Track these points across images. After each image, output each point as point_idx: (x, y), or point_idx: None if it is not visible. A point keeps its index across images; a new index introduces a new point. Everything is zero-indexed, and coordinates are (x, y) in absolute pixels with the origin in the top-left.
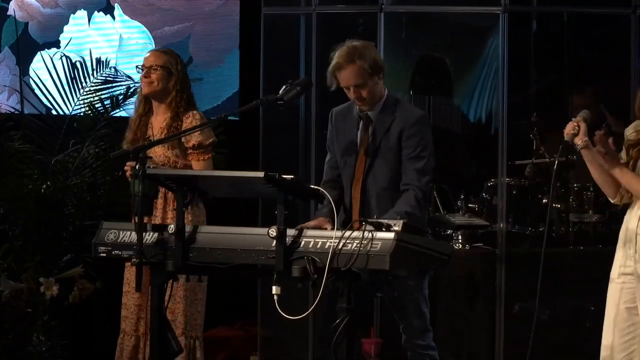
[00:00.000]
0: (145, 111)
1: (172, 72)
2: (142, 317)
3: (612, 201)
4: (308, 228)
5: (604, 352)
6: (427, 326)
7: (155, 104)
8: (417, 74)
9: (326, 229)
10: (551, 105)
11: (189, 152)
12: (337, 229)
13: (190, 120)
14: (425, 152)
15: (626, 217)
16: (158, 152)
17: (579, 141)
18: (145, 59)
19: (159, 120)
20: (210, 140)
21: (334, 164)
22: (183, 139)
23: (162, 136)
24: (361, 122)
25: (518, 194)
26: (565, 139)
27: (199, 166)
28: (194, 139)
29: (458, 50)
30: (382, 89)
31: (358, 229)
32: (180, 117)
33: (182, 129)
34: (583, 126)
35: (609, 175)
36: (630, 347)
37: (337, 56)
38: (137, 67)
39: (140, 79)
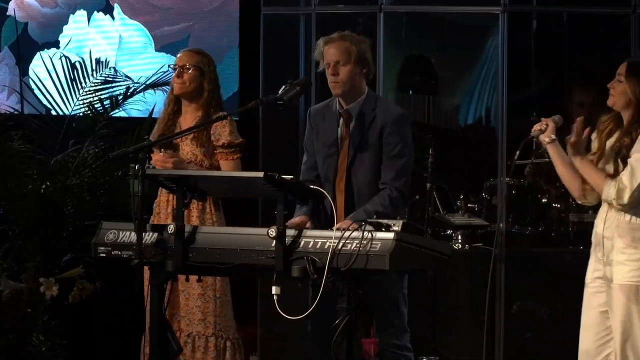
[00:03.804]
0: (174, 110)
1: (205, 72)
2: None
3: (579, 202)
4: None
5: (581, 358)
6: (404, 326)
7: (184, 103)
8: (402, 73)
9: (307, 227)
10: (551, 105)
11: (218, 151)
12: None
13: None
14: (405, 151)
15: (595, 221)
16: (186, 150)
17: (545, 137)
18: (178, 58)
19: (188, 120)
20: (239, 141)
21: (312, 165)
22: (212, 138)
23: (191, 136)
24: (341, 119)
25: (518, 194)
26: (532, 134)
27: (227, 166)
28: (224, 137)
29: (458, 50)
30: (363, 86)
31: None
32: (211, 117)
33: (212, 130)
34: (551, 125)
35: (575, 173)
36: (605, 350)
37: (332, 34)
38: (169, 66)
39: (173, 78)
